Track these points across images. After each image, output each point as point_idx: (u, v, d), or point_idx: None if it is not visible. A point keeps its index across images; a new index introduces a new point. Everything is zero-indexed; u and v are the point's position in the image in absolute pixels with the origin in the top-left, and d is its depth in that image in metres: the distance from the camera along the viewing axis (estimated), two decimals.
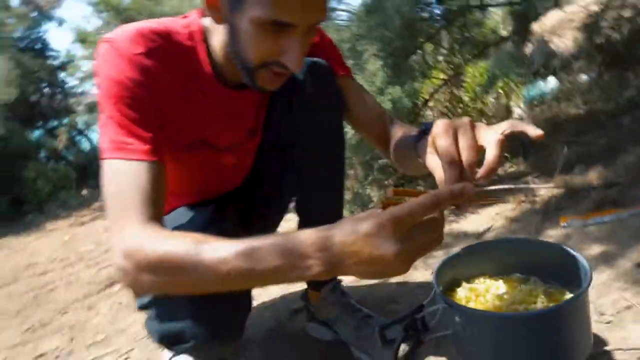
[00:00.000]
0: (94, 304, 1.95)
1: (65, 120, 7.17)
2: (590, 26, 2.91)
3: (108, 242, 3.02)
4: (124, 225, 0.69)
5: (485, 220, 1.65)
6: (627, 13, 2.88)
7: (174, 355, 1.17)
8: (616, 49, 2.64)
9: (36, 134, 7.02)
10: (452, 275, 0.80)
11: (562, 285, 0.72)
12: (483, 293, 0.75)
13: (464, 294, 0.76)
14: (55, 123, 7.13)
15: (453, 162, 0.57)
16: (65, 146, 6.77)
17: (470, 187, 0.53)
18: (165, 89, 0.78)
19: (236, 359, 1.19)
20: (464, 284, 0.79)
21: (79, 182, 6.00)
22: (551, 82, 3.13)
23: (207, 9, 0.75)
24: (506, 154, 2.14)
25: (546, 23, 3.96)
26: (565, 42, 4.23)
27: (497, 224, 1.60)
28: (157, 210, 0.71)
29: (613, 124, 2.18)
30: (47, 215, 4.85)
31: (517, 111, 2.93)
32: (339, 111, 1.00)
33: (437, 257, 1.41)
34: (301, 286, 1.28)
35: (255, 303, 1.44)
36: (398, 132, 0.92)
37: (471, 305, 0.72)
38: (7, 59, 4.53)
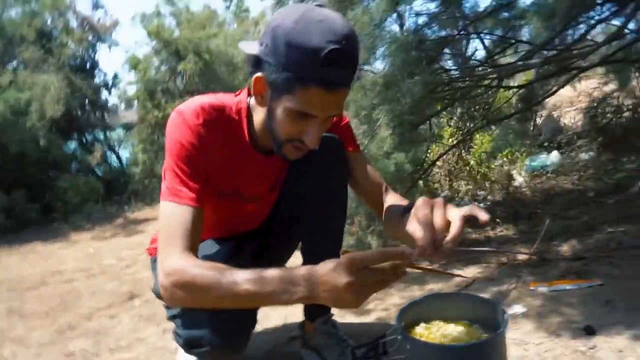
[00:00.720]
0: (116, 314, 2.13)
1: (101, 137, 7.48)
2: (594, 109, 3.14)
3: (130, 258, 3.26)
4: (168, 251, 0.92)
5: (469, 274, 1.86)
6: (628, 101, 3.12)
7: None
8: (614, 134, 2.87)
9: (71, 145, 7.29)
10: (415, 315, 1.02)
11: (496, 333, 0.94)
12: (434, 332, 0.97)
13: (419, 331, 0.98)
14: (90, 137, 7.37)
15: (428, 225, 0.79)
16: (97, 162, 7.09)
17: (409, 252, 0.76)
18: (214, 152, 1.03)
19: None
20: (422, 324, 1.01)
21: (104, 197, 6.25)
22: (554, 156, 3.32)
23: (254, 95, 0.96)
24: (498, 219, 2.36)
25: (563, 94, 4.15)
26: (577, 117, 4.44)
27: (478, 279, 1.81)
28: (194, 243, 0.95)
29: (599, 203, 2.38)
30: (71, 226, 5.03)
31: (518, 179, 3.12)
32: (343, 180, 1.22)
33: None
34: (300, 317, 1.47)
35: (260, 328, 1.63)
36: (390, 201, 1.13)
37: (423, 339, 0.94)
38: (61, 79, 4.93)
